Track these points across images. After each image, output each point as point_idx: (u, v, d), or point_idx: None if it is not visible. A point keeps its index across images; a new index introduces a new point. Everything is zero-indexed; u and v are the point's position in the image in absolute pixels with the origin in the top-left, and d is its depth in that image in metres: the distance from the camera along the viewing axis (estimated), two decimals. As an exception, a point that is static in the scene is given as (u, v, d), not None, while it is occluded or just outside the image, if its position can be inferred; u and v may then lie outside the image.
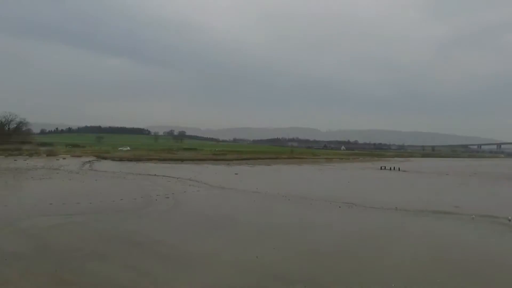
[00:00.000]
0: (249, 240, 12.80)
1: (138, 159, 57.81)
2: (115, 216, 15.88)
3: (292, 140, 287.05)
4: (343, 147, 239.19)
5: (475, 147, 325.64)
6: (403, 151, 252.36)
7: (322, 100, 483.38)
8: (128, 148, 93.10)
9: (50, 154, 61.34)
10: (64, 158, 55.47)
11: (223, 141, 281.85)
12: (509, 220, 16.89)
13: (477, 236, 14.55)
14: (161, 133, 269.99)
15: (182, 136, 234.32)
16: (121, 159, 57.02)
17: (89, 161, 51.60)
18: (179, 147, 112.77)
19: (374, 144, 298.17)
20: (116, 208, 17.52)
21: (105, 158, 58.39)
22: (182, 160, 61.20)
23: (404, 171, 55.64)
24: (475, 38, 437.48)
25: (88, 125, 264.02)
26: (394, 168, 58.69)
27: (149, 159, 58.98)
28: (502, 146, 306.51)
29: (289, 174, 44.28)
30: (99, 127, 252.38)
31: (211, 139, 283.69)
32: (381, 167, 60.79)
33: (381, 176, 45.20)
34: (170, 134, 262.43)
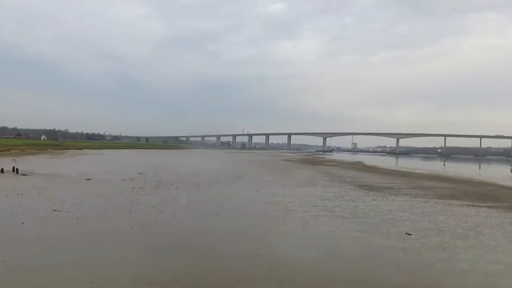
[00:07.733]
0: None
1: None
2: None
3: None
4: (43, 137, 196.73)
5: (184, 138, 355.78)
6: (118, 142, 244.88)
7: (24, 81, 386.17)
8: None
9: None
10: None
11: None
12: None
13: None
14: None
15: None
16: None
17: None
18: None
19: (87, 134, 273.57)
20: None
21: None
22: None
23: (26, 174, 28.77)
24: (190, 42, 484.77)
25: None
26: (13, 169, 30.50)
27: None
28: (206, 138, 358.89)
29: None
30: None
31: None
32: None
33: None
34: None
